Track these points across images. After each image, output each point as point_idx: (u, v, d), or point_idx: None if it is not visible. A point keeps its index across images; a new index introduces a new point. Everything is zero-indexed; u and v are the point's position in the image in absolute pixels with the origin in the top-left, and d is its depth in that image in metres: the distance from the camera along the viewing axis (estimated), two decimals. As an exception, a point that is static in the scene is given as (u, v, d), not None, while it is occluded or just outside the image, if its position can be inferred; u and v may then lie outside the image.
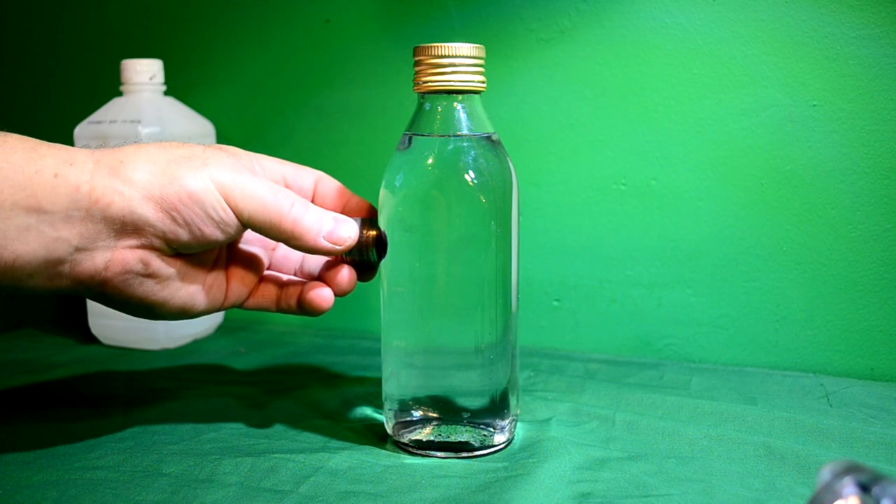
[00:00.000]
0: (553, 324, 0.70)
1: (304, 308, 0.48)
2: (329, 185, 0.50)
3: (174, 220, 0.41)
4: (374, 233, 0.47)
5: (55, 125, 0.86)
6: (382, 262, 0.47)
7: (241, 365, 0.65)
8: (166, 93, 0.72)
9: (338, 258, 0.48)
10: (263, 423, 0.52)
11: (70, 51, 0.86)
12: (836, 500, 0.29)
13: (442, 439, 0.47)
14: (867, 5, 0.58)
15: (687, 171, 0.64)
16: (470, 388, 0.46)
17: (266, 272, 0.50)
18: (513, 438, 0.49)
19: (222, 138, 0.77)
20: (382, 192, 0.46)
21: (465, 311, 0.46)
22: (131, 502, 0.41)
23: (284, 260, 0.52)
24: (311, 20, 0.75)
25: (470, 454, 0.46)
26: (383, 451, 0.47)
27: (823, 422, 0.50)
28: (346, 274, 0.47)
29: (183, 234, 0.42)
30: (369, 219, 0.48)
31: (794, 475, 0.43)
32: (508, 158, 0.47)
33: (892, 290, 0.60)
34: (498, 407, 0.47)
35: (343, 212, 0.49)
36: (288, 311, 0.49)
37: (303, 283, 0.48)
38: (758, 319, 0.64)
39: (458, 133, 0.46)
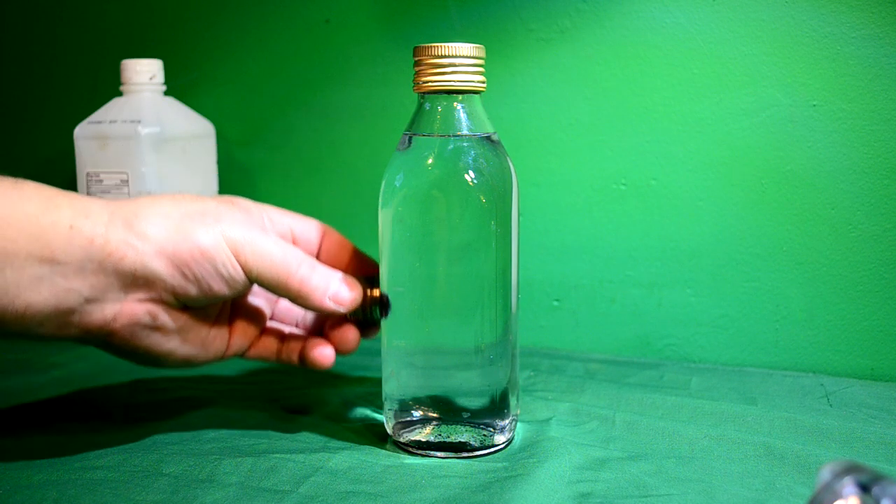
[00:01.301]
0: (553, 324, 0.70)
1: (307, 364, 0.49)
2: (334, 238, 0.51)
3: (185, 275, 0.42)
4: (377, 292, 0.48)
5: (55, 125, 0.86)
6: (382, 263, 0.47)
7: (241, 365, 0.65)
8: (166, 93, 0.72)
9: (342, 316, 0.48)
10: (263, 423, 0.52)
11: (70, 51, 0.86)
12: (836, 500, 0.29)
13: (442, 439, 0.47)
14: (867, 5, 0.58)
15: (687, 171, 0.64)
16: (470, 388, 0.46)
17: (268, 324, 0.51)
18: (513, 438, 0.49)
19: (222, 138, 0.77)
20: (382, 192, 0.46)
21: (465, 311, 0.46)
22: (131, 502, 0.40)
23: (287, 311, 0.53)
24: (311, 20, 0.75)
25: (470, 454, 0.46)
26: (383, 451, 0.47)
27: (823, 422, 0.50)
28: (350, 334, 0.49)
29: (192, 290, 0.43)
30: (373, 277, 0.49)
31: (794, 475, 0.43)
32: (508, 158, 0.47)
33: (892, 290, 0.60)
34: (498, 407, 0.47)
35: (347, 266, 0.50)
36: (289, 363, 0.50)
37: (304, 338, 0.50)
38: (758, 319, 0.64)
39: (458, 133, 0.46)
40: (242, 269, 0.43)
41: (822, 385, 0.58)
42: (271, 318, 0.52)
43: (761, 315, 0.64)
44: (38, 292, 0.39)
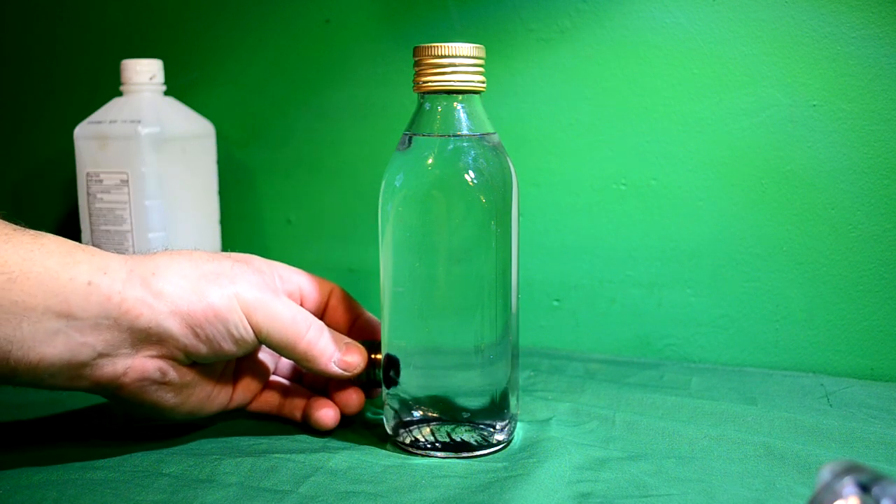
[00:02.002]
0: (553, 324, 0.70)
1: (310, 424, 0.50)
2: (341, 297, 0.52)
3: (197, 335, 0.43)
4: (380, 356, 0.49)
5: (55, 125, 0.86)
6: (382, 263, 0.47)
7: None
8: (166, 93, 0.72)
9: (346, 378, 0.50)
10: (263, 423, 0.52)
11: (70, 51, 0.86)
12: (836, 500, 0.29)
13: (442, 439, 0.47)
14: (867, 5, 0.58)
15: (687, 171, 0.64)
16: (470, 388, 0.46)
17: (272, 377, 0.53)
18: (513, 438, 0.49)
19: (222, 138, 0.77)
20: (382, 192, 0.46)
21: (465, 311, 0.46)
22: (131, 502, 0.40)
23: (290, 366, 0.54)
24: (311, 20, 0.75)
25: (470, 454, 0.46)
26: (383, 451, 0.47)
27: (823, 422, 0.50)
28: (354, 397, 0.50)
29: (203, 349, 0.44)
30: (377, 343, 0.50)
31: (794, 475, 0.43)
32: (508, 158, 0.47)
33: (892, 290, 0.60)
34: (498, 407, 0.47)
35: (352, 325, 0.52)
36: (291, 418, 0.51)
37: (308, 396, 0.51)
38: (758, 319, 0.64)
39: (458, 133, 0.46)
40: (253, 330, 0.45)
41: (822, 385, 0.58)
42: (275, 372, 0.53)
43: (761, 315, 0.64)
44: (53, 346, 0.40)
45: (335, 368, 0.47)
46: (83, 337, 0.41)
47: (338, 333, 0.48)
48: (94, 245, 0.69)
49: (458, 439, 0.46)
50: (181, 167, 0.70)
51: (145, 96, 0.70)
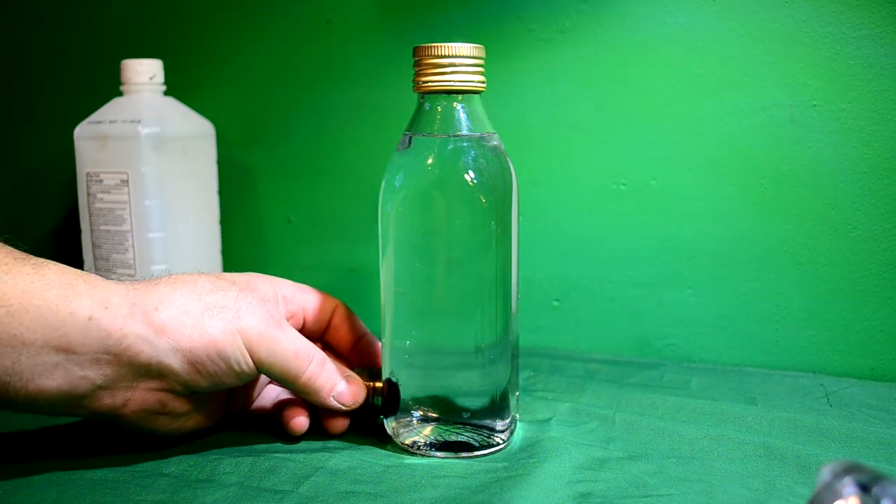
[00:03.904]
0: (553, 324, 0.70)
1: (283, 428, 0.49)
2: (344, 316, 0.53)
3: (198, 371, 0.43)
4: (379, 384, 0.49)
5: (55, 125, 0.86)
6: (382, 263, 0.47)
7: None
8: (166, 93, 0.72)
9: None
10: (263, 424, 0.52)
11: (70, 51, 0.86)
12: (836, 500, 0.29)
13: (442, 439, 0.47)
14: (867, 5, 0.58)
15: (687, 171, 0.64)
16: (470, 388, 0.46)
17: (264, 391, 0.53)
18: (513, 438, 0.49)
19: (222, 138, 0.77)
20: (382, 193, 0.46)
21: (465, 311, 0.46)
22: (131, 502, 0.40)
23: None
24: (311, 20, 0.75)
25: (470, 454, 0.46)
26: (383, 451, 0.47)
27: (823, 422, 0.50)
28: (341, 423, 0.49)
29: (203, 382, 0.44)
30: (377, 369, 0.50)
31: (794, 475, 0.43)
32: (508, 158, 0.47)
33: (892, 290, 0.60)
34: (498, 407, 0.47)
35: (354, 347, 0.53)
36: (274, 422, 0.51)
37: (289, 402, 0.50)
38: (758, 319, 0.64)
39: (458, 133, 0.46)
40: (255, 363, 0.44)
41: (822, 385, 0.58)
42: (267, 384, 0.53)
43: (761, 315, 0.64)
44: (52, 378, 0.40)
45: (335, 403, 0.47)
46: (82, 371, 0.40)
47: (339, 365, 0.48)
48: (94, 246, 0.69)
49: (459, 439, 0.46)
50: (181, 167, 0.70)
51: (145, 96, 0.70)
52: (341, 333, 0.53)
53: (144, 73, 0.70)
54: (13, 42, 0.89)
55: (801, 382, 0.59)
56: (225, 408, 0.50)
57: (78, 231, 0.71)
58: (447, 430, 0.47)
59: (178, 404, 0.45)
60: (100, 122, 0.68)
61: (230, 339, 0.43)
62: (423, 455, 0.47)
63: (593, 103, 0.66)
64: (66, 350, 0.40)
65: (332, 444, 0.48)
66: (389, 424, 0.48)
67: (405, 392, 0.47)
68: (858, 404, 0.54)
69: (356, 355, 0.53)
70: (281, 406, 0.50)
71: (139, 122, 0.67)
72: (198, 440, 0.49)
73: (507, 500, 0.40)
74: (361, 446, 0.48)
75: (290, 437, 0.49)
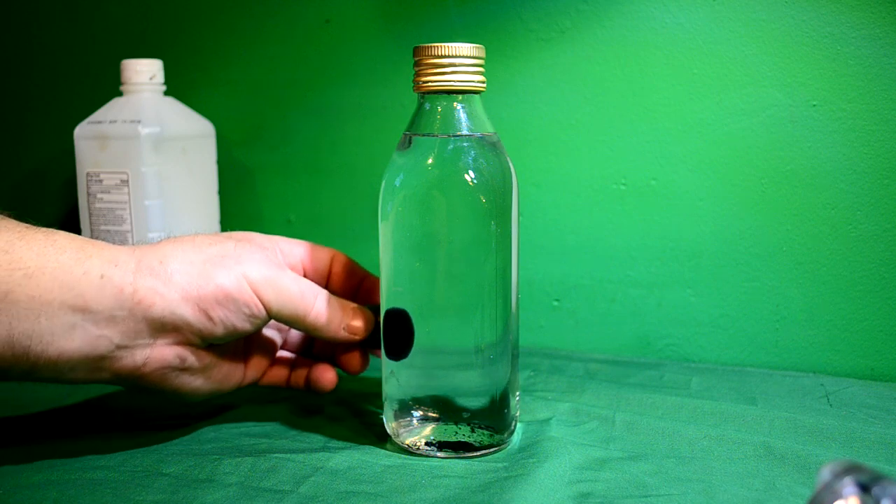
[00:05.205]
0: (553, 324, 0.70)
1: (311, 388, 0.52)
2: (344, 264, 0.53)
3: (210, 318, 0.44)
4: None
5: (55, 125, 0.86)
6: (382, 263, 0.47)
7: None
8: (166, 93, 0.72)
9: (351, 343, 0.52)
10: (263, 423, 0.52)
11: (70, 51, 0.86)
12: (836, 500, 0.29)
13: (442, 439, 0.47)
14: (867, 5, 0.58)
15: (687, 171, 0.64)
16: (470, 388, 0.46)
17: (279, 353, 0.54)
18: (513, 438, 0.49)
19: (222, 138, 0.77)
20: (382, 193, 0.46)
21: (465, 311, 0.46)
22: (131, 502, 0.40)
23: (298, 339, 0.56)
24: (311, 20, 0.75)
25: (470, 454, 0.46)
26: (383, 451, 0.47)
27: (823, 422, 0.50)
28: (359, 358, 0.52)
29: (218, 330, 0.45)
30: (378, 306, 0.50)
31: (794, 475, 0.43)
32: (508, 158, 0.47)
33: (892, 290, 0.60)
34: (498, 407, 0.47)
35: (356, 289, 0.53)
36: (296, 388, 0.53)
37: (310, 364, 0.53)
38: (758, 319, 0.64)
39: (458, 133, 0.46)
40: (264, 306, 0.46)
41: (822, 385, 0.58)
42: (283, 347, 0.55)
43: (761, 315, 0.64)
44: (71, 339, 0.41)
45: (344, 334, 0.49)
46: (100, 330, 0.41)
47: (343, 301, 0.49)
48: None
49: (458, 439, 0.46)
50: (181, 167, 0.70)
51: (145, 96, 0.70)
52: (343, 280, 0.53)
53: (144, 73, 0.70)
54: (13, 42, 0.89)
55: (801, 382, 0.59)
56: (242, 372, 0.50)
57: (78, 231, 0.71)
58: (447, 430, 0.47)
59: (196, 358, 0.45)
60: (100, 122, 0.68)
61: (236, 284, 0.44)
62: (422, 455, 0.46)
63: (593, 103, 0.66)
64: (83, 309, 0.41)
65: (332, 444, 0.48)
66: (389, 424, 0.48)
67: (405, 392, 0.47)
68: (858, 404, 0.54)
69: (361, 298, 0.54)
70: (296, 371, 0.53)
71: (139, 122, 0.67)
72: (198, 439, 0.49)
73: (507, 500, 0.40)
74: (361, 446, 0.48)
75: (291, 436, 0.49)
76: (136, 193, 0.67)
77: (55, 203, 0.86)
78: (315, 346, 0.55)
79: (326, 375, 0.52)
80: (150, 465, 0.45)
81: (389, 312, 0.47)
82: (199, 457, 0.46)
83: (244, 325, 0.45)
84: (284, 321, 0.47)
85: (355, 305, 0.50)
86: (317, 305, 0.47)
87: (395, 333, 0.47)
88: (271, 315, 0.46)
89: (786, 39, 0.61)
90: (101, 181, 0.68)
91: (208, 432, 0.50)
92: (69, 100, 0.86)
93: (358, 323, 0.49)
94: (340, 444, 0.48)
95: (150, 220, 0.67)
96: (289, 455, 0.46)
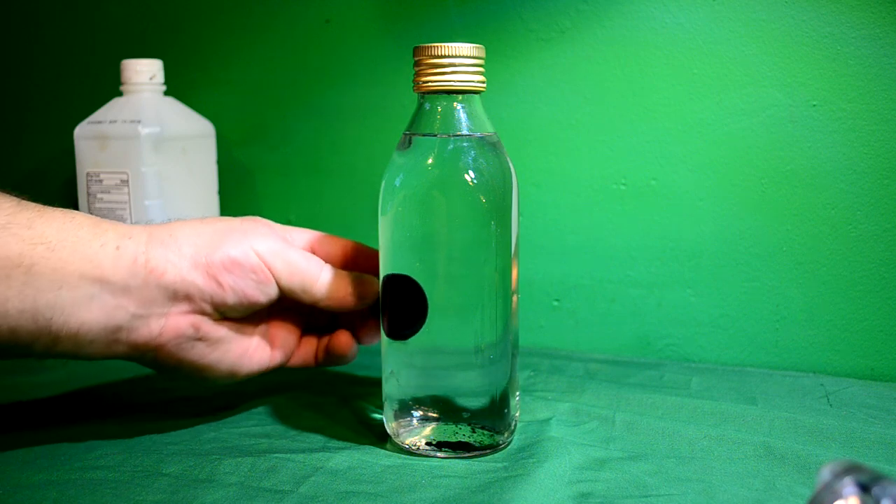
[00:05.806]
0: (553, 324, 0.70)
1: (329, 357, 0.53)
2: (351, 246, 0.53)
3: (220, 285, 0.46)
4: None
5: (55, 125, 0.86)
6: (382, 263, 0.47)
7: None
8: (166, 93, 0.72)
9: (364, 312, 0.53)
10: (263, 423, 0.52)
11: (70, 51, 0.86)
12: (836, 500, 0.29)
13: (442, 439, 0.47)
14: (867, 5, 0.58)
15: (687, 171, 0.64)
16: (470, 388, 0.46)
17: (304, 335, 0.54)
18: (513, 438, 0.49)
19: (222, 138, 0.77)
20: (382, 193, 0.46)
21: (465, 310, 0.46)
22: (131, 502, 0.40)
23: (321, 321, 0.55)
24: (311, 20, 0.75)
25: (470, 454, 0.46)
26: (383, 451, 0.47)
27: (823, 422, 0.50)
28: (377, 328, 0.53)
29: (229, 298, 0.46)
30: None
31: (794, 475, 0.43)
32: (508, 158, 0.47)
33: (892, 290, 0.60)
34: (498, 407, 0.47)
35: (366, 270, 0.53)
36: (325, 363, 0.54)
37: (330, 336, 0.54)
38: (758, 319, 0.64)
39: (458, 133, 0.46)
40: (273, 276, 0.47)
41: (822, 385, 0.58)
42: (306, 330, 0.55)
43: (761, 315, 0.64)
44: (90, 310, 0.42)
45: (352, 300, 0.50)
46: (116, 300, 0.43)
47: (349, 272, 0.51)
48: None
49: (458, 439, 0.46)
50: (181, 167, 0.70)
51: (145, 96, 0.70)
52: (350, 259, 0.53)
53: (144, 73, 0.70)
54: (13, 42, 0.89)
55: (801, 382, 0.59)
56: (268, 354, 0.51)
57: (78, 231, 0.71)
58: (447, 430, 0.47)
59: (211, 328, 0.47)
60: (100, 122, 0.68)
61: (243, 253, 0.46)
62: (422, 455, 0.46)
63: (593, 103, 0.66)
64: (101, 280, 0.42)
65: (332, 444, 0.48)
66: (389, 424, 0.48)
67: (405, 392, 0.47)
68: (858, 404, 0.54)
69: (357, 267, 0.53)
70: (321, 349, 0.53)
71: (139, 122, 0.67)
72: (198, 439, 0.49)
73: (507, 500, 0.40)
74: (361, 446, 0.48)
75: (291, 436, 0.49)
76: (136, 193, 0.67)
77: (55, 203, 0.86)
78: (338, 323, 0.55)
79: (342, 339, 0.52)
80: (150, 465, 0.45)
81: (396, 278, 0.46)
82: (199, 457, 0.46)
83: (254, 293, 0.47)
84: (292, 292, 0.48)
85: (359, 273, 0.51)
86: (322, 276, 0.49)
87: (404, 304, 0.46)
88: (280, 285, 0.48)
89: (786, 39, 0.61)
90: (101, 181, 0.68)
91: (208, 432, 0.50)
92: (69, 100, 0.86)
93: (365, 288, 0.50)
94: (340, 444, 0.48)
95: (150, 220, 0.67)
96: (289, 455, 0.46)
